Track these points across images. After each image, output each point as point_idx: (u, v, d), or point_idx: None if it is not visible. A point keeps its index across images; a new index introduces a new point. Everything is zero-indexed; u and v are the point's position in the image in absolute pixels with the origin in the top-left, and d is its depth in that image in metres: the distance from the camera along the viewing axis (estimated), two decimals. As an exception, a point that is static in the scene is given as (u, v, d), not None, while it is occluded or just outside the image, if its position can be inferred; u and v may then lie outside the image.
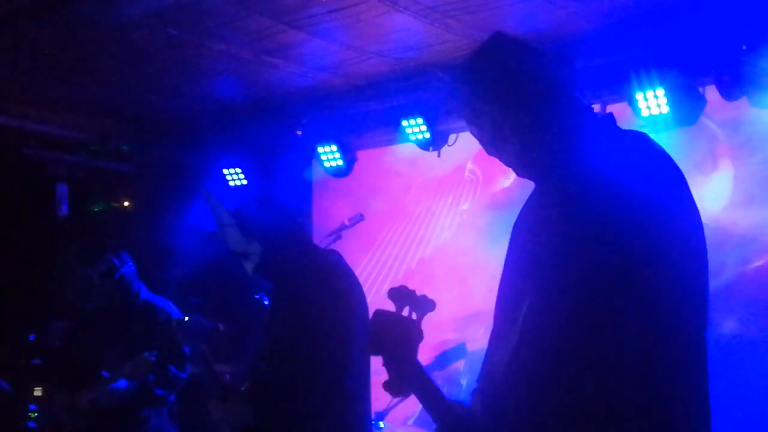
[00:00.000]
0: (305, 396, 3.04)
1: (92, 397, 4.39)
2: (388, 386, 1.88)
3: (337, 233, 4.05)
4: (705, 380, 1.76)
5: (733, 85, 4.79)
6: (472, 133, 1.99)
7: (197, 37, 5.01)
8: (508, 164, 1.96)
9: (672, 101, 4.92)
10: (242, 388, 3.24)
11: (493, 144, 1.94)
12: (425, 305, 1.89)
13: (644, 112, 4.97)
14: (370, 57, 5.42)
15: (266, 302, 3.76)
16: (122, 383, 4.36)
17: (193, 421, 5.37)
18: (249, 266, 3.24)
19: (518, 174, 1.97)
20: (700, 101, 4.98)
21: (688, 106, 4.96)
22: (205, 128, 6.65)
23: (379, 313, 1.90)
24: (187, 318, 3.51)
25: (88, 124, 6.58)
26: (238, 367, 3.68)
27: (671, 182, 1.79)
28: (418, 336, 1.87)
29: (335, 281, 3.16)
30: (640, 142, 1.85)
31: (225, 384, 3.28)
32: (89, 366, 4.53)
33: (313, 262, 3.21)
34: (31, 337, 4.90)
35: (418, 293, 1.91)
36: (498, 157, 1.97)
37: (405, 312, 1.89)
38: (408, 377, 1.87)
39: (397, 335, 1.86)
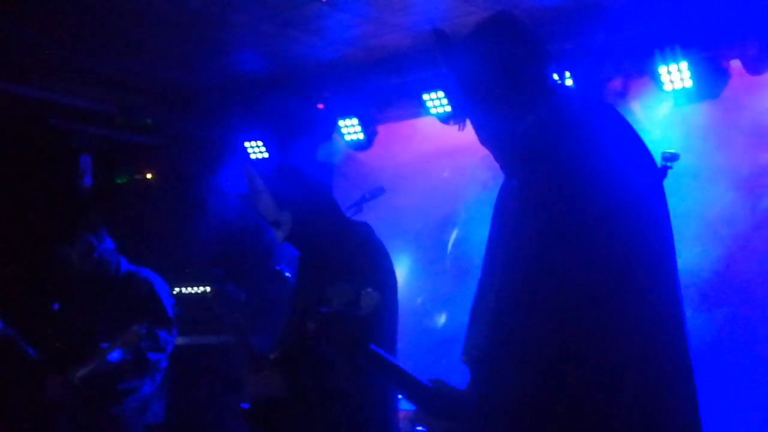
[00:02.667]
0: (333, 367, 3.07)
1: (86, 372, 4.43)
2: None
3: (358, 206, 4.06)
4: (688, 364, 1.80)
5: (758, 59, 4.74)
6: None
7: (221, 9, 5.01)
8: (480, 141, 2.02)
9: (695, 75, 4.89)
10: (272, 358, 3.28)
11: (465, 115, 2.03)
12: (368, 301, 1.99)
13: (667, 86, 4.95)
14: (392, 30, 5.41)
15: (287, 274, 3.78)
16: (117, 353, 4.40)
17: (184, 389, 5.45)
18: (280, 235, 3.25)
19: (486, 148, 2.02)
20: (724, 75, 4.94)
21: (711, 80, 4.93)
22: (228, 101, 6.67)
23: (321, 312, 2.00)
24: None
25: (113, 96, 6.62)
26: (262, 338, 3.71)
27: (637, 158, 1.86)
28: (365, 329, 1.96)
29: (366, 254, 3.18)
30: (609, 122, 1.90)
31: (257, 354, 3.31)
32: (79, 342, 4.58)
33: (345, 233, 3.23)
34: (55, 307, 4.95)
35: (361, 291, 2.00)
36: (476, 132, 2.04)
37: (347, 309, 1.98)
38: (367, 366, 1.98)
39: (343, 331, 1.94)
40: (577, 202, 1.75)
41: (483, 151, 2.02)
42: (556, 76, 1.98)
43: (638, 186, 1.80)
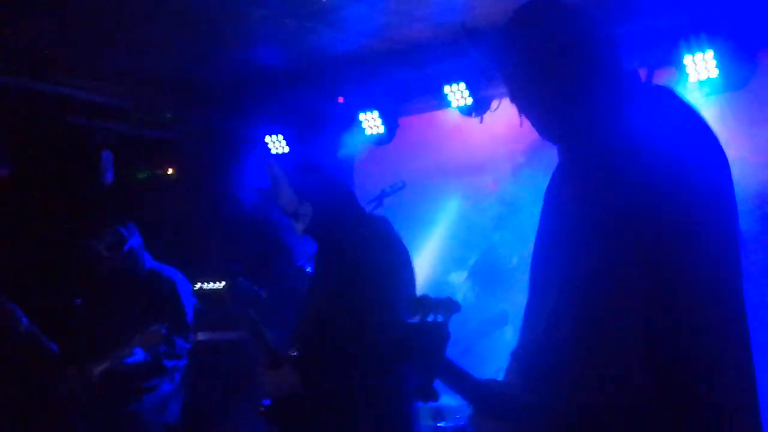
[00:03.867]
0: (353, 361, 3.04)
1: (104, 369, 4.43)
2: (417, 392, 1.88)
3: (379, 200, 4.03)
4: (747, 345, 1.72)
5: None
6: (509, 96, 1.97)
7: (240, 3, 4.99)
8: (537, 127, 1.94)
9: (722, 65, 4.79)
10: (290, 354, 3.26)
11: (524, 107, 1.93)
12: (449, 307, 1.87)
13: (692, 77, 4.85)
14: (413, 21, 5.36)
15: (309, 269, 3.77)
16: (134, 355, 4.39)
17: (202, 386, 5.44)
18: (299, 227, 3.25)
19: (548, 139, 1.94)
20: (751, 65, 4.84)
21: (738, 70, 4.83)
22: (248, 95, 6.66)
23: (402, 324, 1.90)
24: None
25: (132, 91, 6.61)
26: (282, 334, 3.69)
27: (704, 145, 1.77)
28: (445, 338, 1.86)
29: (384, 247, 3.16)
30: (671, 104, 1.82)
31: (274, 350, 3.29)
32: (99, 339, 4.58)
33: (363, 226, 3.21)
34: (77, 302, 4.95)
35: (442, 297, 1.89)
36: (530, 121, 1.95)
37: (430, 318, 1.87)
38: (440, 378, 1.87)
39: (422, 343, 1.85)
40: (643, 188, 1.66)
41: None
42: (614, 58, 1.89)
43: (708, 173, 1.72)
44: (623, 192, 1.68)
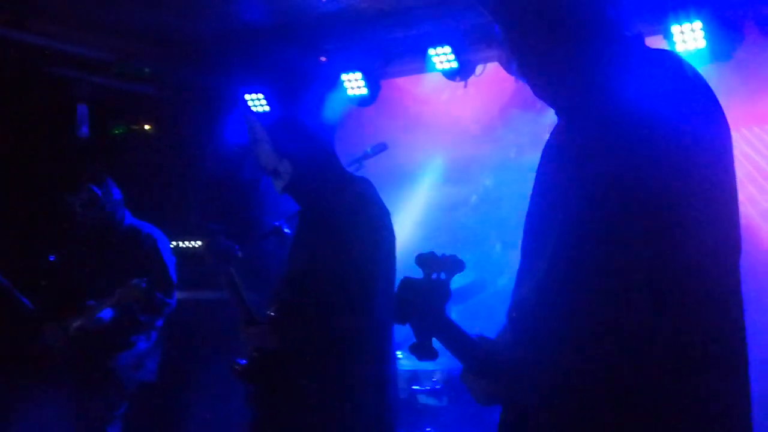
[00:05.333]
0: (330, 319, 3.03)
1: (80, 325, 4.40)
2: (414, 350, 1.87)
3: (359, 161, 3.98)
4: (740, 313, 1.72)
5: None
6: (499, 59, 1.92)
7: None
8: (535, 90, 1.90)
9: (709, 35, 4.77)
10: (269, 313, 3.25)
11: (522, 70, 1.88)
12: (453, 266, 1.86)
13: (680, 46, 4.84)
14: (399, -18, 5.28)
15: (286, 230, 3.73)
16: (107, 312, 4.36)
17: (181, 348, 5.42)
18: (278, 185, 3.21)
19: (544, 101, 1.91)
20: (738, 36, 4.82)
21: (725, 41, 4.81)
22: (228, 52, 6.54)
23: (405, 280, 1.88)
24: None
25: (111, 44, 6.48)
26: (259, 294, 3.68)
27: (705, 109, 1.73)
28: (445, 297, 1.86)
29: (366, 208, 3.13)
30: (673, 67, 1.78)
31: (251, 308, 3.28)
32: (78, 293, 4.53)
33: (345, 188, 3.18)
34: (51, 258, 4.90)
35: (447, 255, 1.88)
36: (527, 83, 1.91)
37: (433, 276, 1.86)
38: (437, 337, 1.87)
39: (423, 302, 1.84)
40: (641, 152, 1.63)
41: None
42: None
43: (709, 139, 1.69)
44: (621, 156, 1.66)
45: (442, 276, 1.84)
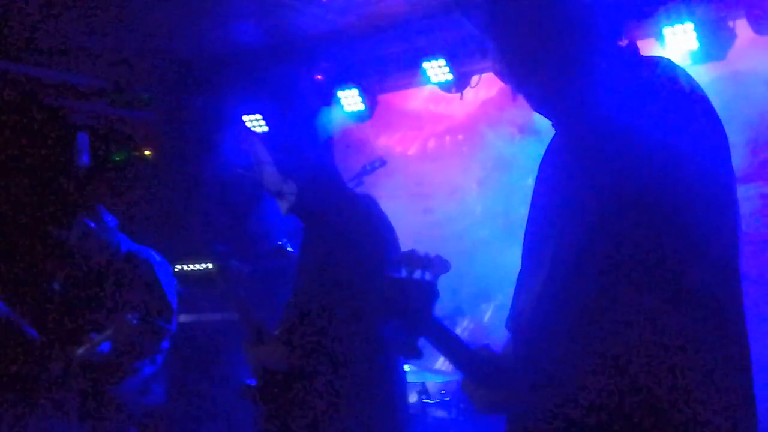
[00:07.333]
0: (338, 339, 3.03)
1: (81, 355, 4.41)
2: (401, 348, 1.86)
3: (358, 178, 3.99)
4: (742, 322, 1.72)
5: (765, 18, 4.64)
6: (494, 70, 1.93)
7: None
8: (531, 101, 1.89)
9: (701, 36, 4.79)
10: (276, 332, 3.25)
11: (516, 80, 1.87)
12: (438, 266, 1.85)
13: (672, 48, 4.84)
14: (391, -3, 5.31)
15: (289, 249, 3.74)
16: (107, 345, 4.37)
17: (186, 368, 5.42)
18: (284, 205, 3.22)
19: (541, 113, 1.91)
20: (730, 36, 4.84)
21: (717, 41, 4.83)
22: (226, 75, 6.58)
23: (390, 279, 1.87)
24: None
25: (109, 72, 6.52)
26: (264, 313, 3.68)
27: (701, 116, 1.73)
28: (432, 297, 1.85)
29: (370, 225, 3.14)
30: (668, 74, 1.78)
31: (260, 327, 3.29)
32: (77, 324, 4.55)
33: (349, 206, 3.19)
34: (55, 286, 4.91)
35: (431, 255, 1.87)
36: (521, 94, 1.90)
37: (417, 275, 1.85)
38: (426, 337, 1.86)
39: (409, 299, 1.83)
40: (639, 162, 1.64)
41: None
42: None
43: (705, 147, 1.69)
44: (620, 165, 1.66)
45: (428, 276, 1.84)
